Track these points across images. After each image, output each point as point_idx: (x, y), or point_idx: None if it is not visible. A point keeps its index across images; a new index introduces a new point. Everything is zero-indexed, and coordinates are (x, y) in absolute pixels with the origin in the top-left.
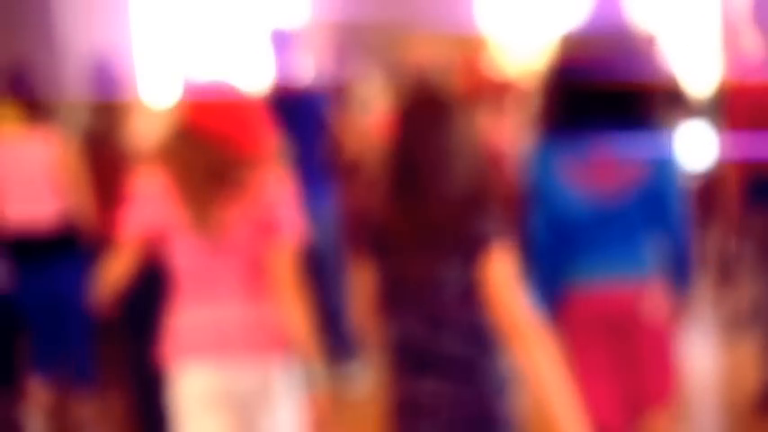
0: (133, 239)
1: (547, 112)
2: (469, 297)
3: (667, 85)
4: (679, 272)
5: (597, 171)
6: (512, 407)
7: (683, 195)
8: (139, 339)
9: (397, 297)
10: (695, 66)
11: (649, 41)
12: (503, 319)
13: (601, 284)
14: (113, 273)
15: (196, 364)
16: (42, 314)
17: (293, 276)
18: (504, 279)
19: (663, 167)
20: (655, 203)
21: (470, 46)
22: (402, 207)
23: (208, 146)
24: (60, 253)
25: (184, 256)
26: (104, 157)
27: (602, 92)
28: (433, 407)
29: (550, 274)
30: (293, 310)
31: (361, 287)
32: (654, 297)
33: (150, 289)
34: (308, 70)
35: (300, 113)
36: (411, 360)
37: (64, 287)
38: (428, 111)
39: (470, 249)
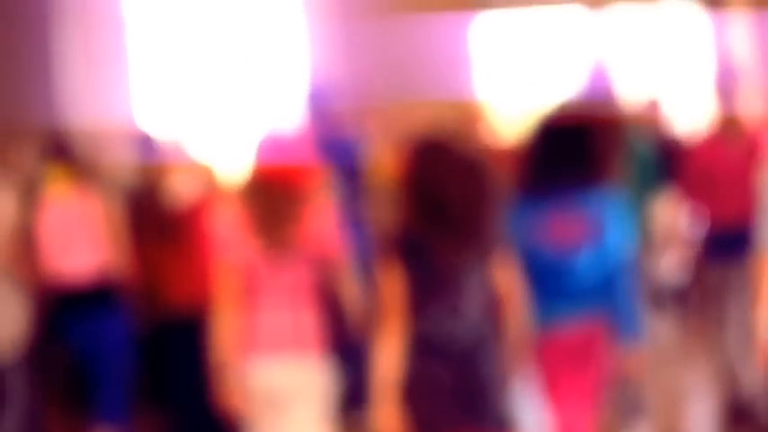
0: (233, 278)
1: (525, 175)
2: (483, 289)
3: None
4: (623, 320)
5: (561, 227)
6: (504, 388)
7: (631, 254)
8: (172, 405)
9: (424, 291)
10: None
11: (652, 107)
12: (504, 295)
13: (563, 325)
14: (232, 323)
15: (259, 359)
16: (89, 361)
17: (344, 286)
18: (507, 272)
19: (615, 226)
20: (606, 257)
21: (470, 114)
22: (427, 220)
23: (273, 189)
24: (100, 306)
25: (251, 274)
26: (145, 213)
27: (572, 158)
28: (436, 386)
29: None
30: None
31: (389, 289)
32: (608, 336)
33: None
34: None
35: (339, 155)
36: (425, 344)
37: (102, 340)
38: (439, 145)
39: (483, 249)
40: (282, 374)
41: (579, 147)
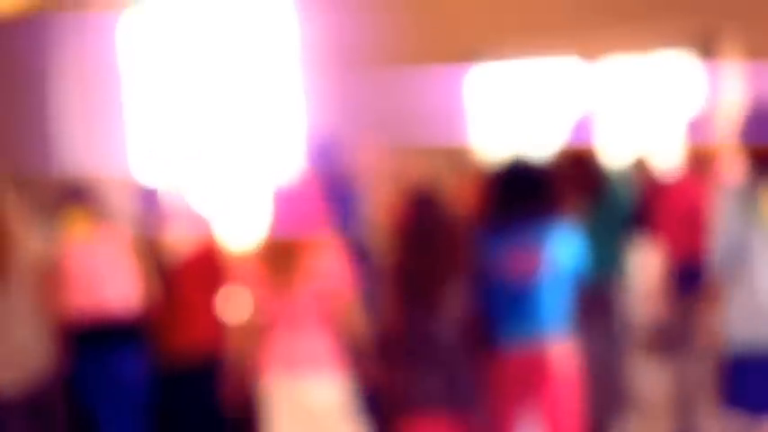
0: (253, 311)
1: (488, 210)
2: (459, 304)
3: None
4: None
5: (519, 259)
6: (474, 385)
7: (580, 284)
8: None
9: (416, 307)
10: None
11: (641, 165)
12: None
13: (517, 346)
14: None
15: (279, 379)
16: (104, 400)
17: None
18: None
19: (568, 257)
20: (559, 286)
21: (465, 160)
22: (417, 256)
23: (284, 244)
24: (127, 340)
25: (268, 310)
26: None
27: (528, 196)
28: (423, 379)
29: (486, 335)
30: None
31: (390, 308)
32: (562, 356)
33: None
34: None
35: (343, 199)
36: (416, 347)
37: (127, 374)
38: (428, 199)
39: (458, 277)
40: (305, 391)
41: (534, 185)
